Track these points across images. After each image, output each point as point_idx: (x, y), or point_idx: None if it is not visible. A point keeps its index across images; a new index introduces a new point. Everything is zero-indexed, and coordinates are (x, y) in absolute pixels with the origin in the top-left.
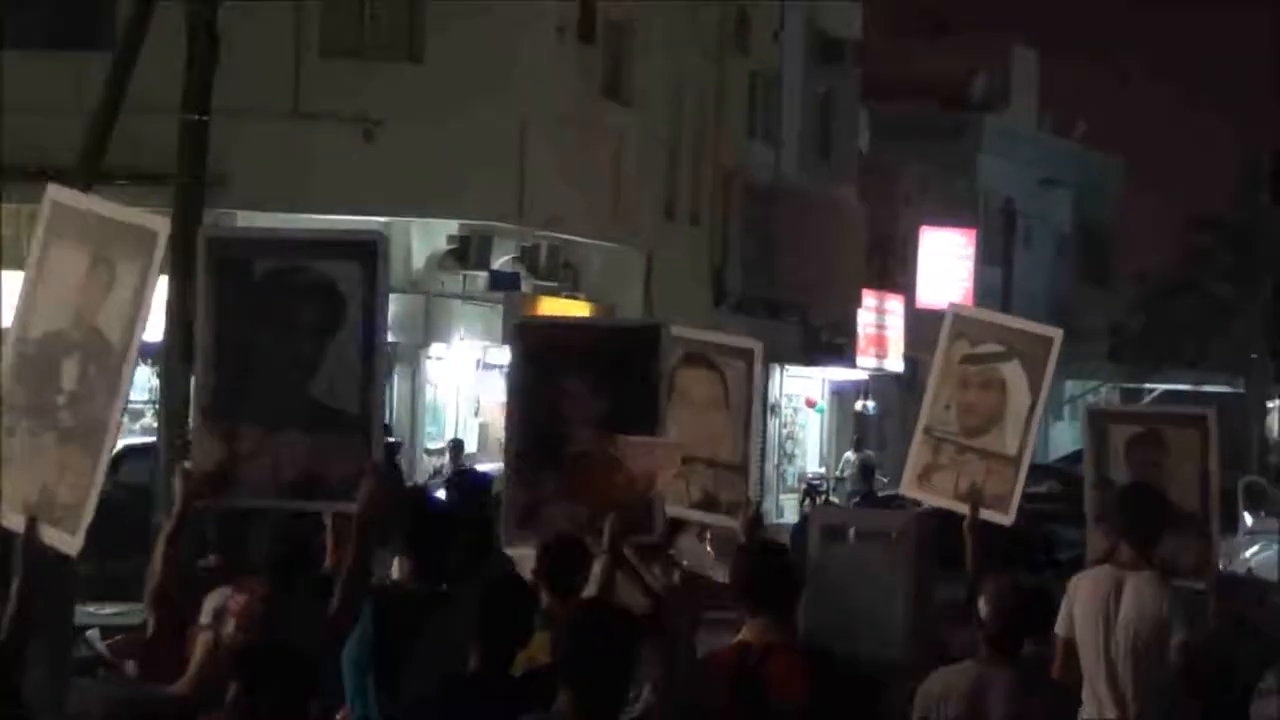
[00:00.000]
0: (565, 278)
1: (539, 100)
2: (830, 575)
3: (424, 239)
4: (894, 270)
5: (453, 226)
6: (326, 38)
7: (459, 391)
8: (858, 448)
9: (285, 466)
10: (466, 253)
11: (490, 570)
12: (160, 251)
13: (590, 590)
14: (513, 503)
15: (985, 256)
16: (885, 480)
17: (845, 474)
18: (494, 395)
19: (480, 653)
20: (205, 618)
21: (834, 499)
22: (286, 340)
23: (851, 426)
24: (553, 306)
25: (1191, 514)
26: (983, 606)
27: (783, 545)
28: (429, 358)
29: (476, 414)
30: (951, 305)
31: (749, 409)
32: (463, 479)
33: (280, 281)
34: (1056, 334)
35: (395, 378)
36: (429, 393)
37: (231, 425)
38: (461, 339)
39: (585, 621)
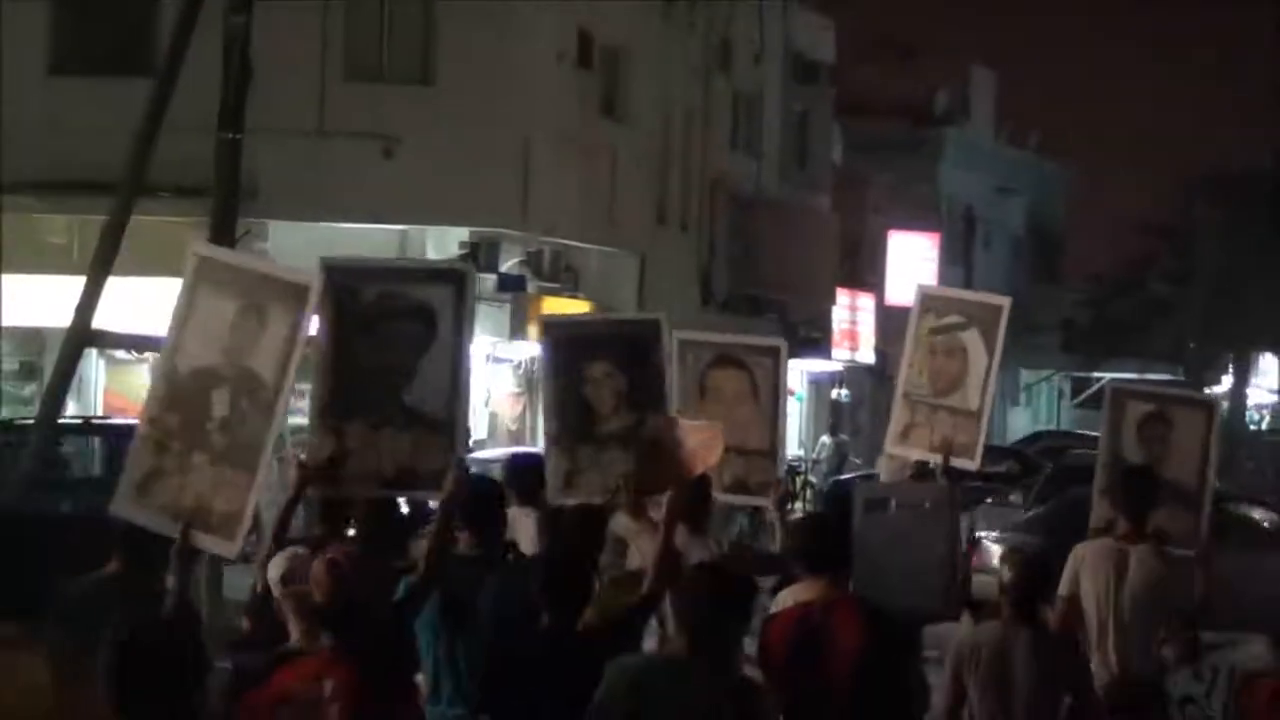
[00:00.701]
0: (566, 279)
1: (541, 119)
2: (873, 541)
3: (437, 245)
4: (864, 271)
5: (463, 233)
6: (349, 62)
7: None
8: (833, 432)
9: (384, 461)
10: (476, 257)
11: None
12: (313, 302)
13: (639, 561)
14: (555, 470)
15: (947, 258)
16: (859, 461)
17: (822, 456)
18: (503, 387)
19: (552, 612)
20: (274, 573)
21: (812, 478)
22: (388, 353)
23: (827, 413)
24: (555, 306)
25: (1187, 488)
26: (1005, 573)
27: (832, 516)
28: None
29: (486, 404)
30: (920, 285)
31: (776, 400)
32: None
33: (384, 303)
34: (1005, 301)
35: None
36: None
37: (340, 424)
38: (474, 338)
39: (699, 579)
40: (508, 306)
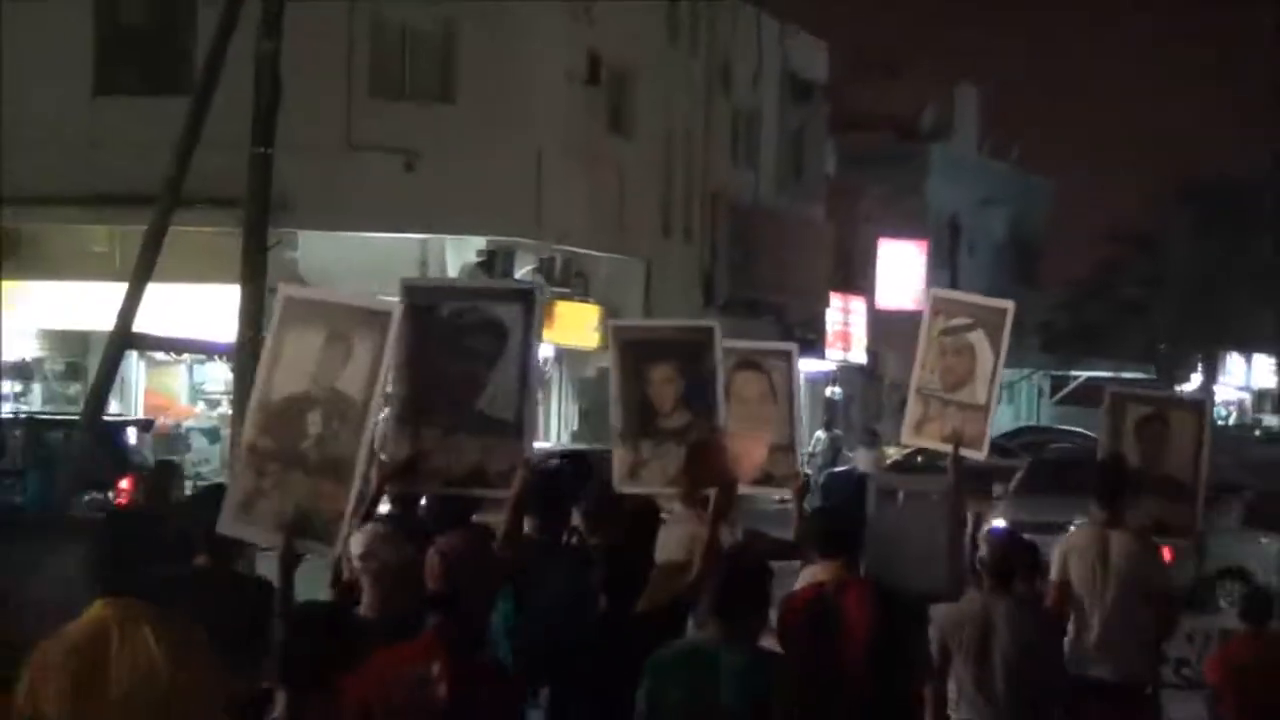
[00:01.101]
0: (577, 285)
1: (553, 134)
2: (885, 527)
3: (457, 253)
4: (856, 276)
5: (481, 242)
6: (373, 81)
7: None
8: (827, 428)
9: (454, 462)
10: (493, 264)
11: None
12: (394, 328)
13: (684, 552)
14: (621, 461)
15: (934, 264)
16: (851, 455)
17: (817, 450)
18: None
19: (610, 599)
20: (356, 549)
21: (807, 470)
22: (462, 363)
23: (822, 409)
24: (566, 310)
25: (1183, 483)
26: (983, 549)
27: (845, 506)
28: None
29: None
30: (933, 290)
31: (791, 399)
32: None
33: (459, 318)
34: (1010, 305)
35: None
36: None
37: (417, 429)
38: None
39: (732, 566)
40: None
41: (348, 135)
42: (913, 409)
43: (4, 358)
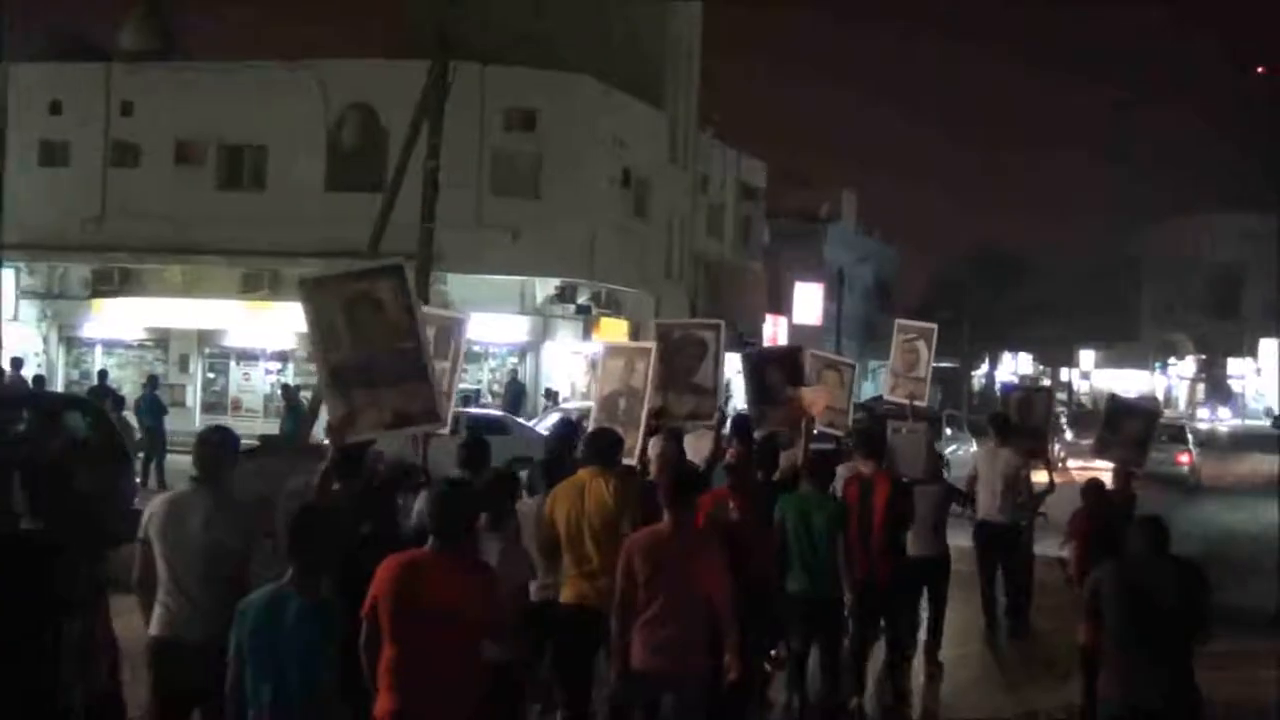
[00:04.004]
0: (613, 308)
1: (600, 217)
2: (893, 446)
3: (543, 288)
4: (781, 304)
5: (557, 281)
6: (494, 184)
7: (559, 369)
8: None
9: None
10: (564, 295)
11: None
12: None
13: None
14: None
15: (828, 297)
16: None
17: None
18: (579, 369)
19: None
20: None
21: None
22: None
23: None
24: (607, 323)
25: (1042, 436)
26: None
27: (878, 431)
28: (544, 352)
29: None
30: (898, 321)
31: (848, 382)
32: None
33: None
34: (934, 326)
35: (527, 363)
36: (544, 370)
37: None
38: (561, 341)
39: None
40: (580, 324)
41: (478, 216)
42: (887, 380)
43: (270, 348)
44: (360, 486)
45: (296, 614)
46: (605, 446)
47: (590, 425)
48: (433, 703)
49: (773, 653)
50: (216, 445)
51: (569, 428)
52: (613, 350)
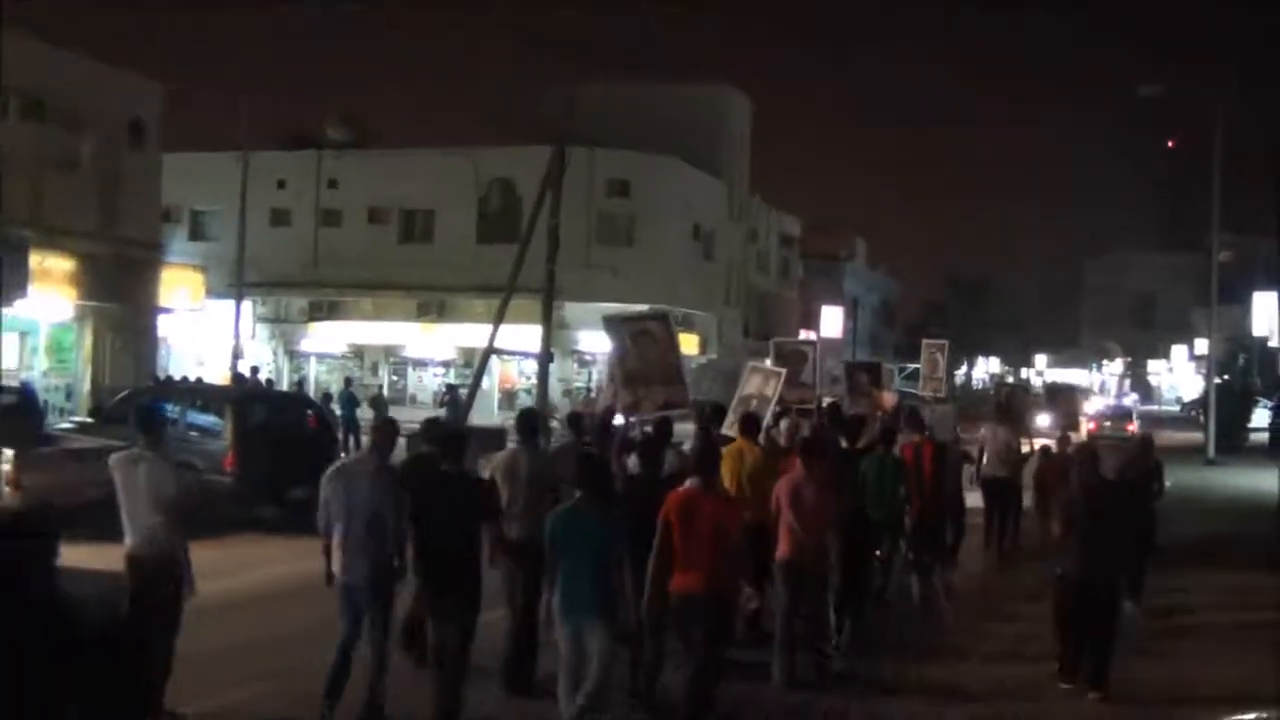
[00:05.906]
0: (687, 326)
1: (678, 261)
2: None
3: (637, 312)
4: (811, 321)
5: (646, 306)
6: (599, 234)
7: None
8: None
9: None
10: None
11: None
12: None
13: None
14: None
15: (846, 317)
16: None
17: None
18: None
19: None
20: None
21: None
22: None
23: None
24: (683, 339)
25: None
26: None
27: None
28: None
29: None
30: (925, 341)
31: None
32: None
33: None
34: (945, 343)
35: None
36: None
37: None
38: None
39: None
40: None
41: (587, 260)
42: (921, 379)
43: (437, 358)
44: (643, 443)
45: (588, 523)
46: (750, 424)
47: (731, 415)
48: (704, 574)
49: (876, 552)
50: (380, 429)
51: (668, 423)
52: (753, 369)
